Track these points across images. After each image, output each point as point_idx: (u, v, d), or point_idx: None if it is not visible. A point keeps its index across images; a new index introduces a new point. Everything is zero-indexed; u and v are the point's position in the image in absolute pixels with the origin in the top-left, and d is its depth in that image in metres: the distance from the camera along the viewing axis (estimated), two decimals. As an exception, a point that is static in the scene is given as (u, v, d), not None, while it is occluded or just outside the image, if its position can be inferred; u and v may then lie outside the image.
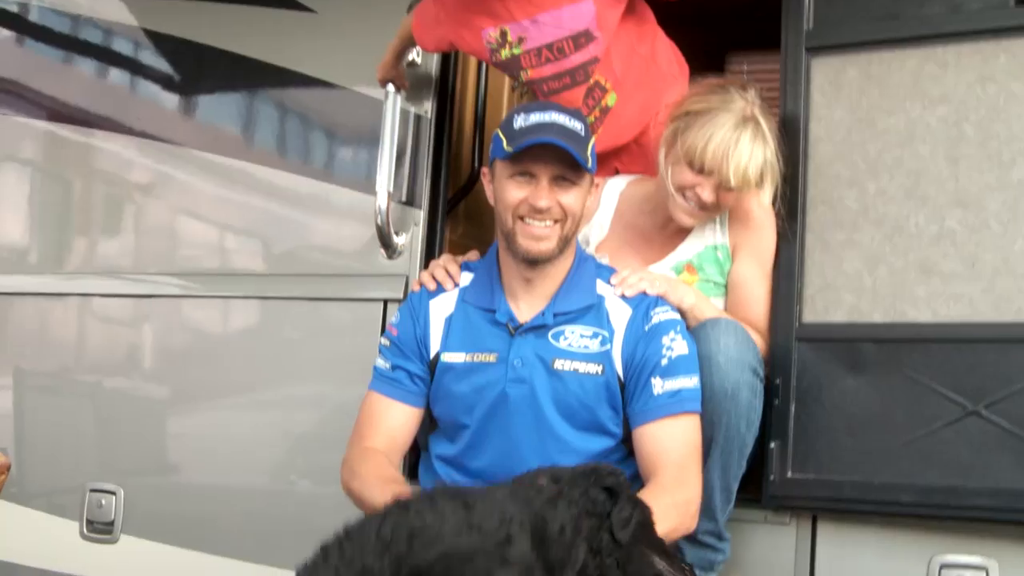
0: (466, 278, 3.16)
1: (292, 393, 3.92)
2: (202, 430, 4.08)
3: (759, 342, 3.22)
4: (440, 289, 3.15)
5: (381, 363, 3.14)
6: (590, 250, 3.43)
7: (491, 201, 3.08)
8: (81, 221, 4.47)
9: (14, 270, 4.52)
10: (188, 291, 4.17)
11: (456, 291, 3.14)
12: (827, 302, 3.26)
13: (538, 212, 2.94)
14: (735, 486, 3.17)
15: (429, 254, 3.76)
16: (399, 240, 3.76)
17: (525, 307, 3.05)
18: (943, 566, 3.13)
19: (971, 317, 3.10)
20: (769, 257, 3.35)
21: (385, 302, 3.73)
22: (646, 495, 2.64)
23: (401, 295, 3.72)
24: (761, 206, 3.29)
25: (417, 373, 3.10)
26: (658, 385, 2.94)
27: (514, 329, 3.02)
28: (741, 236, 3.36)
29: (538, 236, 2.97)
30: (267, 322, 4.04)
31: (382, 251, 3.78)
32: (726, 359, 3.06)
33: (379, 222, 3.69)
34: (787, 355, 3.26)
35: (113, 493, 4.09)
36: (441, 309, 3.12)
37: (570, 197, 2.95)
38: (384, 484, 2.81)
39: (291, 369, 3.94)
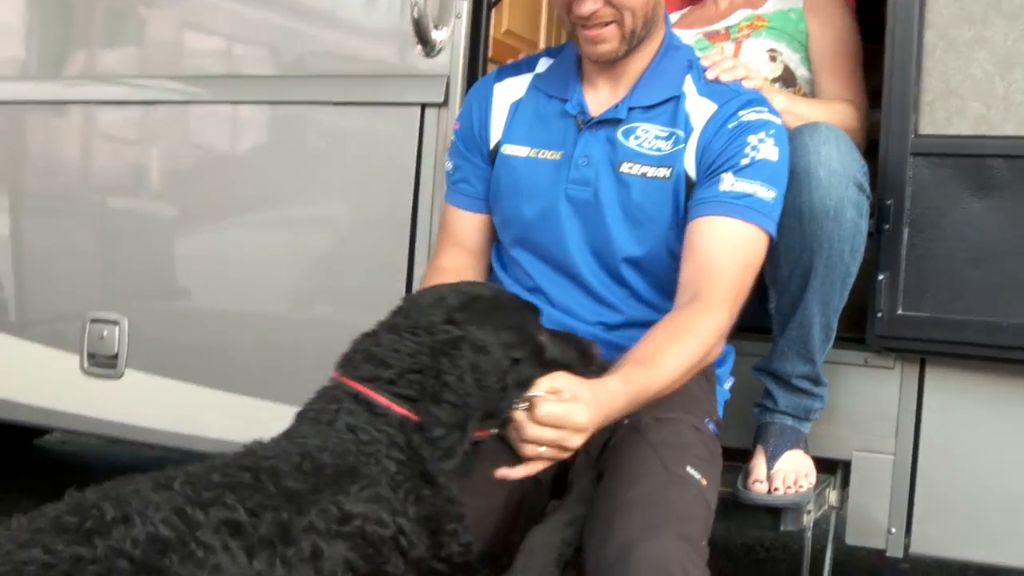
0: (544, 63, 2.70)
1: (312, 211, 3.48)
2: (213, 252, 3.64)
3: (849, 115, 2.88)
4: (509, 70, 2.72)
5: (448, 165, 2.77)
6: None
7: None
8: (82, 23, 3.94)
9: (8, 76, 4.01)
10: (195, 97, 3.66)
11: (529, 76, 2.69)
12: (949, 111, 2.77)
13: (583, 18, 2.46)
14: (835, 322, 2.75)
15: (473, 51, 3.24)
16: (438, 35, 3.24)
17: (605, 96, 2.60)
18: (1077, 423, 2.72)
19: (1124, 130, 2.63)
20: (845, 32, 3.06)
21: (423, 107, 3.25)
22: (686, 317, 2.33)
23: (441, 98, 3.23)
24: None
25: (479, 173, 2.69)
26: (728, 181, 2.44)
27: (584, 123, 2.57)
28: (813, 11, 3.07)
29: (595, 40, 2.50)
30: (285, 131, 3.56)
31: (419, 48, 3.26)
32: (828, 173, 2.59)
33: (415, 14, 3.17)
34: (900, 172, 2.78)
35: (116, 323, 3.68)
36: (508, 93, 2.68)
37: None
38: None
39: (312, 184, 3.48)
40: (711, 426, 2.50)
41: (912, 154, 2.77)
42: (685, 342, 2.29)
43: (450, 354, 2.00)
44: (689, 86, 2.57)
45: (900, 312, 2.77)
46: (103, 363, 3.67)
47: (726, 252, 2.41)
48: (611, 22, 2.46)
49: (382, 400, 1.97)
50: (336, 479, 1.87)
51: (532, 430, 2.03)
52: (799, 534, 2.84)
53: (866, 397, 2.91)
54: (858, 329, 2.91)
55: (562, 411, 2.04)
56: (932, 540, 2.84)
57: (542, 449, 2.05)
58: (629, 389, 2.16)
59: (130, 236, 3.76)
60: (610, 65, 2.55)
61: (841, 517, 2.97)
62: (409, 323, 2.05)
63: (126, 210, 3.80)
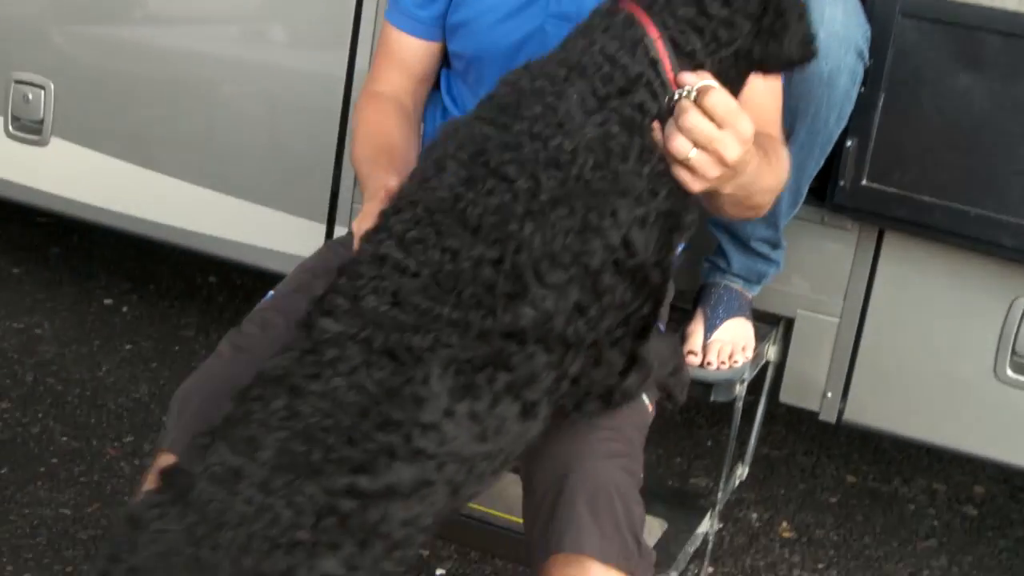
0: None
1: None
2: (146, 21, 3.41)
3: None
4: None
5: None
6: None
7: None
8: None
9: None
10: None
11: None
12: (949, -32, 2.52)
13: None
14: (806, 187, 2.61)
15: None
16: None
17: None
18: (1027, 310, 2.63)
19: None
20: None
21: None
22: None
23: None
24: None
25: None
26: None
27: None
28: None
29: None
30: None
31: None
32: (828, 35, 2.40)
33: None
34: (885, 31, 2.55)
35: (42, 88, 3.44)
36: None
37: None
38: (376, 152, 2.27)
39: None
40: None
41: (901, 13, 2.54)
42: (783, 162, 2.08)
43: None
44: None
45: (864, 183, 2.62)
46: (28, 128, 3.47)
47: (767, 101, 2.17)
48: None
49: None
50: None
51: (693, 117, 1.72)
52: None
53: (819, 256, 2.80)
54: (821, 181, 2.75)
55: (734, 105, 1.74)
56: (867, 409, 2.80)
57: (693, 153, 1.73)
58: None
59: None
60: None
61: (777, 372, 2.91)
62: None
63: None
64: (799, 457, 3.72)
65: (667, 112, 1.74)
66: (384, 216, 1.79)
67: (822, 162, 2.56)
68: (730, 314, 2.64)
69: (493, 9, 2.30)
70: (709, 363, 2.59)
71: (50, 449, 3.31)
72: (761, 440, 3.32)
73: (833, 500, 3.54)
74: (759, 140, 1.89)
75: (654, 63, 1.75)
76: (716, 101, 1.72)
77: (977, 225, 2.52)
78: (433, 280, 1.65)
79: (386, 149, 2.28)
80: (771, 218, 2.59)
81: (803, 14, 1.84)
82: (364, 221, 1.92)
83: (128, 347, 3.88)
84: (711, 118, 1.72)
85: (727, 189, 1.85)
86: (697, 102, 1.72)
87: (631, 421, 2.06)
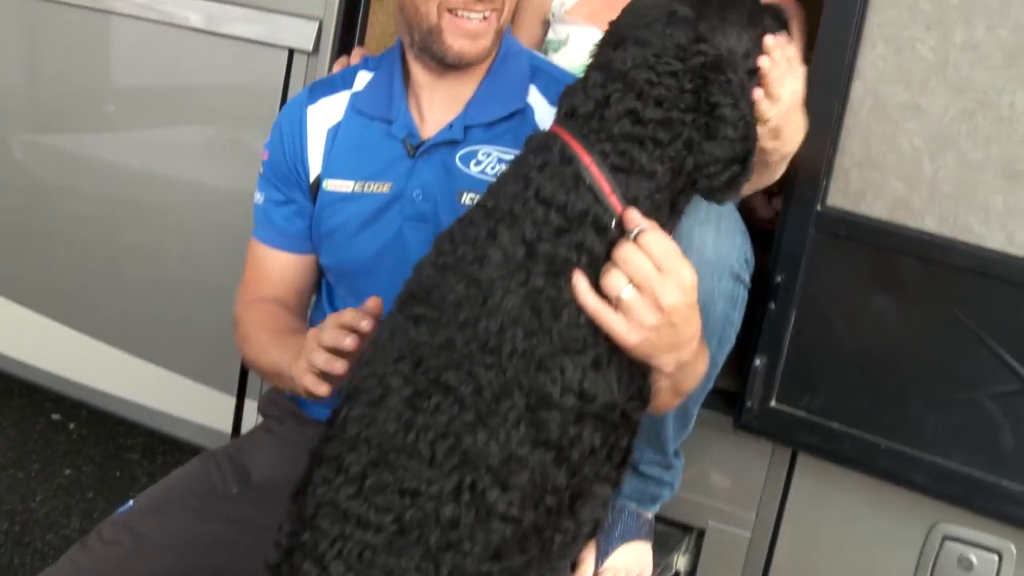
0: (363, 79, 2.29)
1: (174, 139, 3.13)
2: (65, 171, 3.30)
3: None
4: (322, 88, 2.31)
5: (257, 197, 2.35)
6: (564, 10, 2.68)
7: None
8: None
9: None
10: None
11: (347, 95, 2.29)
12: (866, 185, 2.35)
13: (477, 1, 2.10)
14: (695, 411, 2.43)
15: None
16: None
17: (436, 114, 2.22)
18: (946, 538, 2.46)
19: (1062, 255, 2.23)
20: None
21: (291, 52, 2.80)
22: None
23: (310, 45, 2.79)
24: None
25: (298, 209, 2.31)
26: None
27: (414, 148, 2.19)
28: None
29: (474, 33, 2.13)
30: (153, 53, 3.13)
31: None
32: (698, 262, 2.20)
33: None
34: (798, 247, 2.39)
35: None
36: (324, 117, 2.28)
37: None
38: (276, 336, 2.16)
39: (177, 112, 3.12)
40: None
41: (816, 228, 2.37)
42: (706, 348, 1.96)
43: (716, 81, 1.67)
44: (536, 98, 2.21)
45: (772, 404, 2.45)
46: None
47: None
48: (494, 11, 2.13)
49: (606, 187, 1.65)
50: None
51: (629, 250, 1.62)
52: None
53: (732, 468, 2.64)
54: (737, 383, 2.59)
55: (673, 248, 1.63)
56: (777, 631, 2.64)
57: (627, 292, 1.62)
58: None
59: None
60: (440, 75, 2.19)
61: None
62: (650, 51, 1.66)
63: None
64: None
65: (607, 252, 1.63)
66: (340, 444, 1.67)
67: (709, 387, 2.38)
68: (625, 538, 2.48)
69: (351, 219, 2.23)
70: (599, 595, 2.44)
71: (-36, 604, 3.23)
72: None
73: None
74: None
75: (595, 195, 1.63)
76: (651, 240, 1.61)
77: (889, 459, 2.35)
78: (398, 531, 1.58)
79: (283, 332, 2.18)
80: (658, 443, 2.43)
81: (737, 103, 1.67)
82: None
83: (67, 472, 3.79)
84: (649, 255, 1.62)
85: (669, 367, 1.72)
86: (635, 240, 1.62)
87: None
